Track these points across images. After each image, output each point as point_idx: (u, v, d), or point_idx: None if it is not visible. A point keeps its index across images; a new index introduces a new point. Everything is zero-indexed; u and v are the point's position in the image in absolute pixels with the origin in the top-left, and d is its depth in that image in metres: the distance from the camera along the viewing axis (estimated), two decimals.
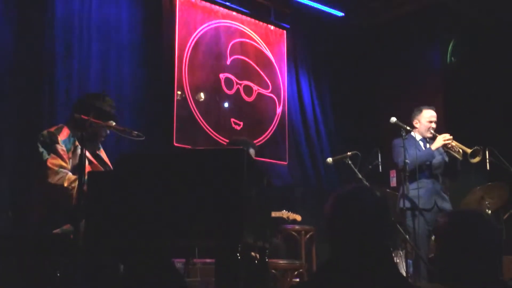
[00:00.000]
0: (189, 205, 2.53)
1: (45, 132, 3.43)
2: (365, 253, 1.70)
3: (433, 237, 4.68)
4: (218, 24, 6.75)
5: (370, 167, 5.15)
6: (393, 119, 4.79)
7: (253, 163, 3.01)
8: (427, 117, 5.05)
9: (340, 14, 7.84)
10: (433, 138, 4.98)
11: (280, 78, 7.26)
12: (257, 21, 7.18)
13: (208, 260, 4.73)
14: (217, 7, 6.77)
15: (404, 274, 4.90)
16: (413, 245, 4.63)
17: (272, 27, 7.32)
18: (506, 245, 2.66)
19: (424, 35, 7.66)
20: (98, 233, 2.70)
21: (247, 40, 7.02)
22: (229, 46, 6.78)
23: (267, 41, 7.23)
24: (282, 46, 7.41)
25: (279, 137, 7.09)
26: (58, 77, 5.21)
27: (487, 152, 4.97)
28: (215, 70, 6.61)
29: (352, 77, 7.87)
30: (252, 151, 4.52)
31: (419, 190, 4.74)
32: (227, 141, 6.18)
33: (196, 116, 6.32)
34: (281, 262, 5.06)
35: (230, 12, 6.89)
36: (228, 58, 6.75)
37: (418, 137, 5.04)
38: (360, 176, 4.90)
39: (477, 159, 4.83)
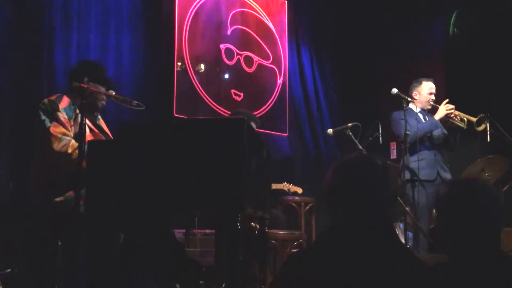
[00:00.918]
0: (189, 174, 2.54)
1: (45, 100, 3.45)
2: (366, 221, 1.69)
3: (434, 211, 4.69)
4: None
5: (370, 138, 5.14)
6: (394, 90, 4.76)
7: (254, 134, 3.01)
8: (427, 89, 5.01)
9: None
10: (432, 110, 4.96)
11: (281, 49, 7.20)
12: None
13: (208, 231, 4.77)
14: None
15: None
16: (413, 217, 4.64)
17: None
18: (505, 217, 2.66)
19: (426, 6, 7.57)
20: (98, 202, 2.71)
21: (248, 10, 6.94)
22: (230, 16, 6.69)
23: (268, 11, 7.15)
24: (283, 16, 7.33)
25: (279, 108, 7.05)
26: (57, 46, 5.17)
27: (487, 124, 4.95)
28: (216, 41, 6.54)
29: (353, 48, 7.79)
30: (253, 125, 4.51)
31: (420, 162, 4.73)
32: (228, 112, 6.18)
33: (196, 86, 6.28)
34: (281, 232, 5.10)
35: None
36: (229, 28, 6.68)
37: (417, 109, 5.02)
38: (360, 147, 4.92)
39: (482, 127, 4.83)
